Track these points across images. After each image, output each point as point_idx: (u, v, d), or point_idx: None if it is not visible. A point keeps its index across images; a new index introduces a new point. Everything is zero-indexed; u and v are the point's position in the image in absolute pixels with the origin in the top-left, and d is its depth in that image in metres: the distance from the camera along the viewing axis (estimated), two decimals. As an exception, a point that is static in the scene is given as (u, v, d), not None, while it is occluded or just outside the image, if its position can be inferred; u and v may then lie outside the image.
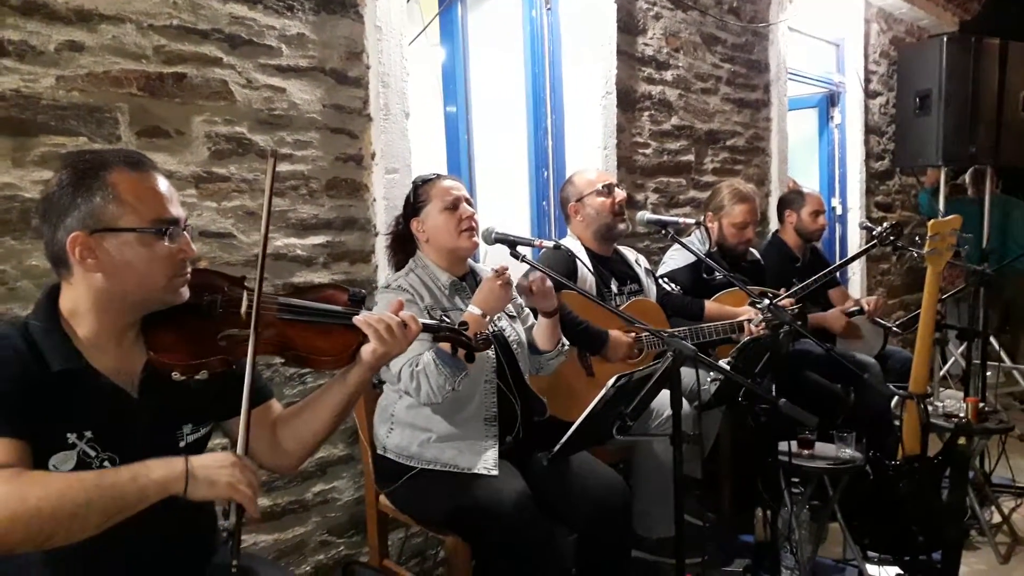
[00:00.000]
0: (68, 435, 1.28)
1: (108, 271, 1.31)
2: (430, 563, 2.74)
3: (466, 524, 2.05)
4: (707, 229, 3.23)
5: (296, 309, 1.49)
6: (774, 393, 2.36)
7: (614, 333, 2.65)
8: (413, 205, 2.26)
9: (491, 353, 2.19)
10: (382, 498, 2.29)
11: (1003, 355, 5.07)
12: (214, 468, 1.28)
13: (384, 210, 2.57)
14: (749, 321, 2.76)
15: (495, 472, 2.07)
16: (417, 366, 2.01)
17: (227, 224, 2.27)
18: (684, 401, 2.20)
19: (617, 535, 2.19)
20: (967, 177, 5.56)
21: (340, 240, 2.52)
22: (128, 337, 1.39)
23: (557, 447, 1.95)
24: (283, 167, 2.38)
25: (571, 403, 2.45)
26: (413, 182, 2.31)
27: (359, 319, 1.48)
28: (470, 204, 2.24)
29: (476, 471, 2.07)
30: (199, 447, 1.49)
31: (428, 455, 2.12)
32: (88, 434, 1.30)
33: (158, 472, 1.25)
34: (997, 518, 3.16)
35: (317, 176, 2.46)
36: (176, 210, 1.37)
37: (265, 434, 1.54)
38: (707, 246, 3.21)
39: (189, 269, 1.40)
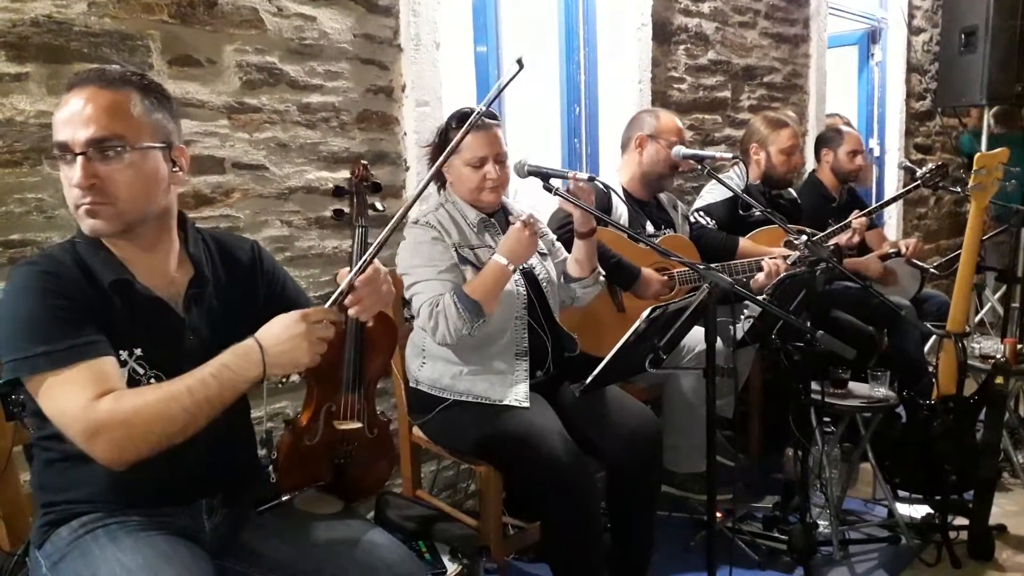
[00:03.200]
0: (121, 352, 1.31)
1: None
2: (461, 495, 2.78)
3: (498, 454, 2.07)
4: (746, 165, 3.16)
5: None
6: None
7: (647, 270, 2.62)
8: (447, 146, 2.18)
9: (522, 290, 2.18)
10: (415, 430, 2.31)
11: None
12: (288, 344, 1.28)
13: (415, 144, 2.54)
14: (772, 258, 2.71)
15: (526, 404, 2.08)
16: (437, 306, 2.01)
17: (259, 156, 2.27)
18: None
19: (648, 468, 2.20)
20: (987, 115, 5.36)
21: (372, 174, 2.50)
22: (164, 253, 1.40)
23: (590, 378, 1.95)
24: (314, 98, 2.36)
25: (601, 339, 2.44)
26: (448, 120, 2.19)
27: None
28: (500, 161, 2.14)
29: (507, 403, 2.08)
30: None
31: (460, 387, 2.13)
32: (138, 351, 1.33)
33: (237, 365, 1.27)
34: (1030, 461, 3.13)
35: (348, 108, 2.43)
36: (66, 133, 1.26)
37: None
38: (744, 182, 3.14)
39: (87, 201, 1.27)
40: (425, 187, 1.63)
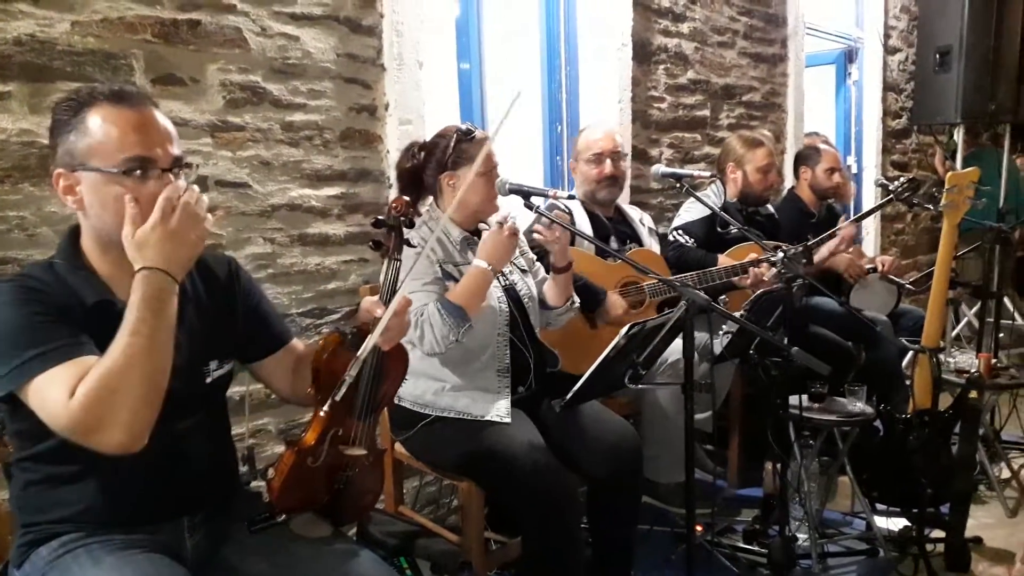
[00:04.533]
0: None
1: (87, 210, 1.31)
2: (444, 510, 2.79)
3: (479, 470, 2.08)
4: (723, 183, 3.21)
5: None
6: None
7: (612, 295, 2.65)
8: (451, 158, 2.18)
9: (504, 306, 2.20)
10: (397, 446, 2.32)
11: (1016, 315, 5.04)
12: (164, 250, 1.24)
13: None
14: (756, 264, 2.75)
15: (508, 420, 2.09)
16: (422, 315, 2.03)
17: (242, 174, 2.28)
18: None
19: (628, 482, 2.21)
20: (957, 134, 5.46)
21: (354, 191, 2.53)
22: None
23: (570, 394, 1.97)
24: (297, 116, 2.38)
25: (579, 356, 2.46)
26: (456, 135, 2.19)
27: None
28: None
29: (489, 419, 2.09)
30: (223, 383, 1.52)
31: (442, 403, 2.14)
32: None
33: (143, 284, 1.24)
34: (1006, 474, 3.18)
35: (331, 126, 2.45)
36: (153, 150, 1.29)
37: (286, 374, 1.59)
38: (722, 200, 3.19)
39: None
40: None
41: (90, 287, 1.33)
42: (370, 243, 1.54)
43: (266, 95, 2.31)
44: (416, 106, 2.62)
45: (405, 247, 1.54)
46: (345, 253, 2.50)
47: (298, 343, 1.64)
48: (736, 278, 2.82)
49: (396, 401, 2.23)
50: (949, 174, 2.50)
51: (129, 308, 1.24)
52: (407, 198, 1.54)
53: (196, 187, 1.32)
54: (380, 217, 1.52)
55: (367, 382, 1.49)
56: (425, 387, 2.16)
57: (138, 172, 1.27)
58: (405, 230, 1.53)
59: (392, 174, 2.58)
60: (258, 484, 1.49)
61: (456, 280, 2.13)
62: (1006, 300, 4.92)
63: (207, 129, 2.20)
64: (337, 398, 1.44)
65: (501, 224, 2.07)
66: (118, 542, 1.34)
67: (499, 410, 2.12)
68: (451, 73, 3.22)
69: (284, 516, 1.47)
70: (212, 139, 2.22)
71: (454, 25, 3.20)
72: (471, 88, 3.20)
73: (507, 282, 2.26)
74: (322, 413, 1.46)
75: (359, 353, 1.40)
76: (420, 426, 2.15)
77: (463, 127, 2.20)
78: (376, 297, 1.47)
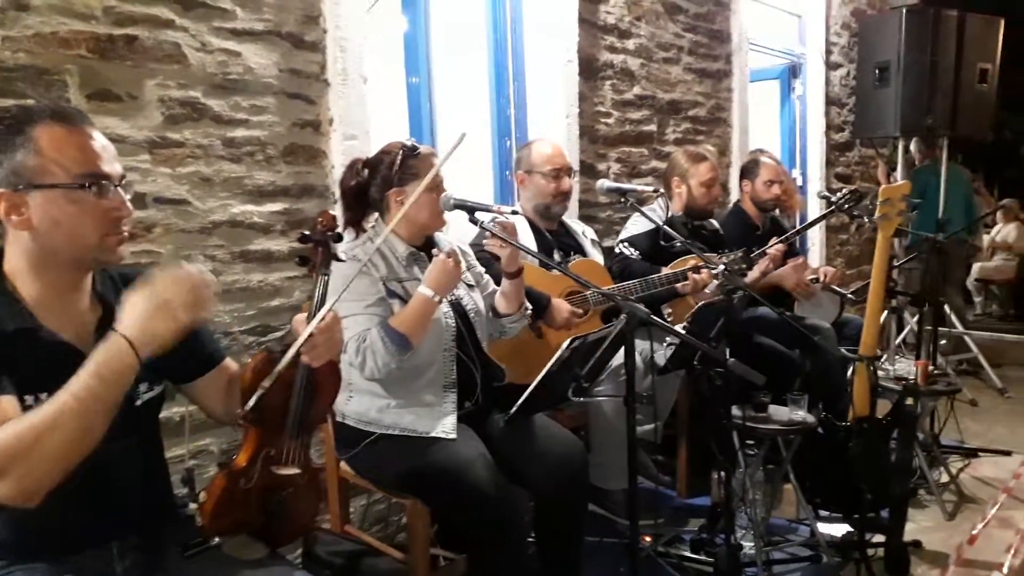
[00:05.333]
0: (26, 397, 1.28)
1: (37, 229, 1.29)
2: (393, 528, 2.77)
3: (425, 487, 2.08)
4: (668, 198, 3.26)
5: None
6: (729, 357, 2.40)
7: (556, 299, 2.67)
8: (398, 175, 2.18)
9: (450, 321, 2.20)
10: (342, 464, 2.30)
11: (956, 322, 5.19)
12: (145, 321, 1.26)
13: (343, 177, 2.56)
14: (696, 271, 2.80)
15: (453, 436, 2.09)
16: (364, 341, 2.01)
17: (182, 191, 2.25)
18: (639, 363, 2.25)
19: (575, 496, 2.23)
20: (913, 146, 5.64)
21: (298, 207, 2.51)
22: (77, 294, 1.38)
23: (514, 408, 1.98)
24: (238, 132, 2.36)
25: (527, 367, 2.47)
26: (402, 151, 2.19)
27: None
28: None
29: (434, 435, 2.09)
30: (155, 406, 1.50)
31: (387, 420, 2.13)
32: (44, 396, 1.29)
33: (110, 355, 1.24)
34: (945, 478, 3.27)
35: (274, 142, 2.44)
36: (108, 166, 1.32)
37: (219, 394, 1.56)
38: (667, 214, 3.24)
39: (126, 229, 1.36)
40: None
41: (11, 314, 1.29)
42: (296, 259, 1.52)
43: (206, 111, 2.29)
44: (361, 121, 2.62)
45: (334, 262, 1.53)
46: (289, 269, 2.48)
47: (231, 362, 1.62)
48: (678, 285, 2.86)
49: (340, 419, 2.22)
50: (882, 187, 2.57)
51: (85, 365, 1.24)
52: (333, 212, 1.53)
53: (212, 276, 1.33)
54: (306, 232, 1.50)
55: (298, 400, 1.47)
56: (369, 404, 2.15)
57: (95, 188, 1.29)
58: (333, 244, 1.51)
59: (337, 189, 2.57)
60: (193, 507, 1.47)
61: (401, 297, 2.12)
62: (947, 308, 5.10)
63: (145, 145, 2.17)
64: (247, 407, 1.41)
65: (449, 254, 2.08)
66: (42, 571, 1.30)
67: (445, 426, 2.11)
68: (400, 88, 3.23)
69: (217, 539, 1.44)
70: (150, 156, 2.18)
71: (403, 40, 3.21)
72: (420, 103, 3.20)
73: (453, 297, 2.26)
74: (251, 432, 1.45)
75: (277, 367, 1.39)
76: (364, 444, 2.14)
77: (408, 143, 2.20)
78: (305, 315, 1.46)
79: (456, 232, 2.53)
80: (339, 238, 1.53)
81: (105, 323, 1.40)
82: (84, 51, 2.04)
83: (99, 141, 1.33)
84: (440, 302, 2.09)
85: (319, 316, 1.39)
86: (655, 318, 1.83)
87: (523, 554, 2.06)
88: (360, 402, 2.17)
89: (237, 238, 2.37)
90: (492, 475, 2.00)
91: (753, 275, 3.24)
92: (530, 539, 2.23)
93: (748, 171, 3.73)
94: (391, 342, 2.00)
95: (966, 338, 5.34)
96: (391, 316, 2.08)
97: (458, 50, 3.41)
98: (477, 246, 2.56)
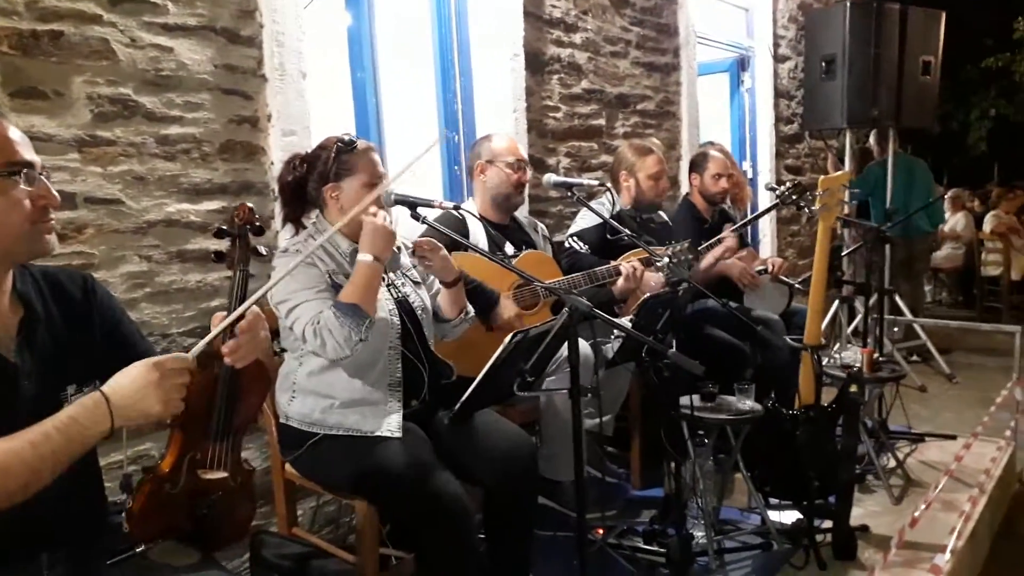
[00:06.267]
0: None
1: None
2: (344, 529, 2.73)
3: (371, 487, 2.05)
4: (616, 191, 3.26)
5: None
6: (675, 349, 2.41)
7: (505, 301, 2.66)
8: (333, 170, 2.14)
9: (395, 319, 2.17)
10: (287, 466, 2.26)
11: (904, 310, 5.29)
12: (138, 396, 1.24)
13: (283, 174, 2.51)
14: (632, 266, 2.81)
15: (399, 435, 2.07)
16: (319, 323, 1.97)
17: (114, 190, 2.19)
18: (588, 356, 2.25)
19: (524, 490, 2.22)
20: (872, 139, 5.76)
21: (236, 205, 2.44)
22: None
23: (457, 405, 1.96)
24: (173, 130, 2.31)
25: (476, 361, 2.45)
26: (336, 146, 2.14)
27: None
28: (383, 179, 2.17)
29: (379, 434, 2.06)
30: None
31: (331, 420, 2.10)
32: None
33: (84, 418, 1.22)
34: (893, 463, 3.32)
35: (210, 139, 2.38)
36: (29, 154, 1.31)
37: None
38: (614, 208, 3.24)
39: (53, 217, 1.33)
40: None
41: None
42: (212, 254, 1.47)
43: (138, 108, 2.23)
44: (301, 117, 2.58)
45: (254, 258, 1.49)
46: (228, 269, 2.42)
47: None
48: (621, 277, 2.86)
49: (284, 420, 2.18)
50: (821, 178, 2.60)
51: (56, 415, 1.21)
52: (251, 205, 1.49)
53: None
54: (223, 226, 1.45)
55: (221, 403, 1.43)
56: (313, 405, 2.12)
57: (22, 176, 1.28)
58: (252, 238, 1.47)
59: (277, 185, 2.53)
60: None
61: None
62: (897, 298, 5.20)
63: (74, 144, 2.11)
64: None
65: (372, 215, 2.03)
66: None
67: (390, 425, 2.09)
68: (345, 83, 3.19)
69: (143, 547, 1.40)
70: (80, 154, 2.12)
71: (346, 34, 3.16)
72: (365, 97, 3.17)
73: (399, 295, 2.23)
74: (175, 435, 1.41)
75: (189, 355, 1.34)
76: (308, 445, 2.10)
77: (344, 138, 2.15)
78: (224, 313, 1.42)
79: (401, 229, 2.50)
80: (259, 231, 1.49)
81: (27, 324, 1.35)
82: (6, 47, 1.97)
83: (15, 132, 1.31)
84: (382, 265, 2.04)
85: (236, 313, 1.34)
86: (598, 311, 1.82)
87: (473, 551, 2.04)
88: (303, 403, 2.13)
89: (174, 238, 2.31)
90: (438, 473, 1.98)
91: (708, 261, 3.26)
92: (480, 535, 2.21)
93: (696, 164, 3.75)
94: (345, 314, 1.95)
95: (916, 326, 5.45)
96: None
97: (403, 45, 3.38)
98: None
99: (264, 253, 1.48)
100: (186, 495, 1.44)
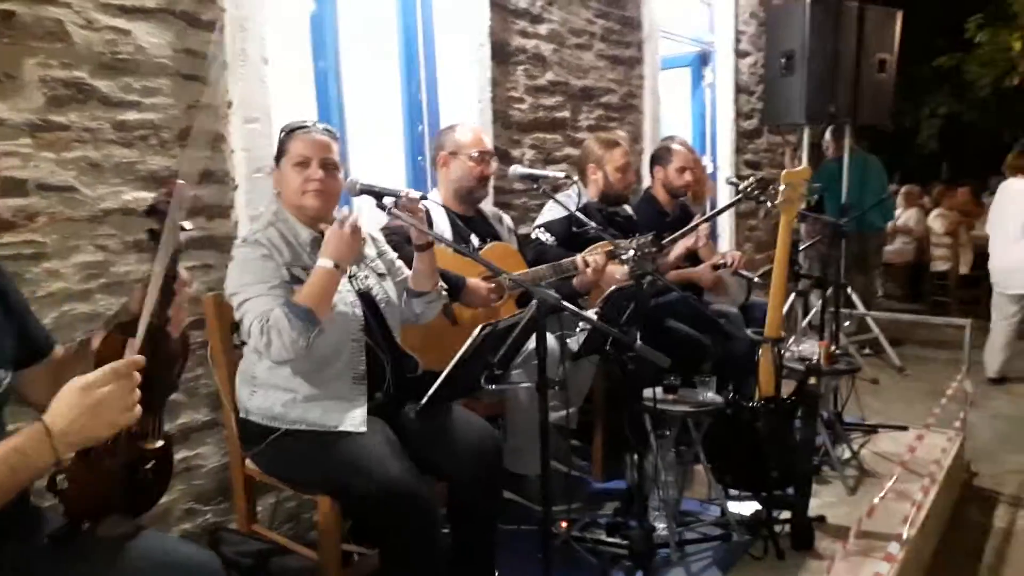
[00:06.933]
0: None
1: None
2: (304, 526, 2.70)
3: (334, 482, 2.02)
4: (584, 184, 3.27)
5: None
6: (639, 341, 2.42)
7: (472, 280, 2.64)
8: (277, 154, 2.16)
9: (358, 311, 2.14)
10: (248, 462, 2.22)
11: (858, 303, 5.41)
12: (76, 424, 1.16)
13: (244, 162, 2.47)
14: (596, 259, 2.82)
15: (363, 429, 2.04)
16: (268, 321, 1.94)
17: (68, 176, 2.12)
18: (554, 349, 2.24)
19: (490, 483, 2.21)
20: (827, 135, 5.85)
21: (196, 194, 2.39)
22: None
23: (424, 398, 1.94)
24: (130, 115, 2.24)
25: (442, 355, 2.43)
26: (281, 129, 2.17)
27: None
28: (326, 166, 2.10)
29: (343, 429, 2.04)
30: (6, 394, 1.41)
31: (293, 415, 2.06)
32: None
33: (30, 448, 1.15)
34: (848, 454, 3.39)
35: (168, 125, 2.32)
36: None
37: (47, 384, 1.43)
38: (581, 201, 3.25)
39: None
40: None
41: None
42: (146, 232, 1.39)
43: (94, 92, 2.16)
44: (263, 104, 2.53)
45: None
46: (187, 259, 2.34)
47: (59, 348, 1.55)
48: (574, 280, 2.87)
49: (244, 415, 2.14)
50: (783, 172, 2.63)
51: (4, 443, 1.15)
52: (181, 181, 1.45)
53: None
54: (152, 204, 1.39)
55: (155, 374, 1.41)
56: (274, 399, 2.08)
57: None
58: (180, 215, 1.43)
59: (238, 173, 2.48)
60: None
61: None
62: (850, 291, 5.32)
63: (26, 129, 2.03)
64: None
65: (341, 220, 2.00)
66: None
67: (354, 419, 2.06)
68: (307, 71, 3.13)
69: (87, 524, 1.37)
70: (32, 139, 2.05)
71: (308, 22, 3.10)
72: (327, 87, 3.11)
73: (362, 287, 2.21)
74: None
75: (138, 342, 1.30)
76: (270, 440, 2.06)
77: (290, 124, 2.14)
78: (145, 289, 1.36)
79: (365, 219, 2.47)
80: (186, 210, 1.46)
81: None
82: (-48, 27, 1.89)
83: None
84: (343, 272, 2.02)
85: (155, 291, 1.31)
86: (566, 304, 1.82)
87: (437, 546, 2.03)
88: (264, 397, 2.10)
89: (130, 227, 2.24)
90: (404, 467, 1.96)
91: (677, 251, 3.29)
92: (444, 529, 2.20)
93: (660, 158, 3.77)
94: (296, 317, 1.92)
95: (868, 319, 5.58)
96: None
97: (367, 33, 3.33)
98: (390, 231, 2.51)
99: (190, 228, 1.43)
100: (124, 468, 1.41)
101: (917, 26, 5.42)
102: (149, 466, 1.46)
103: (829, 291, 3.88)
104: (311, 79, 3.11)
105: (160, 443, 1.45)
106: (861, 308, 5.45)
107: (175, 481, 2.37)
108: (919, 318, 5.35)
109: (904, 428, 3.76)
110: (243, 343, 2.23)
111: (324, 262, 1.98)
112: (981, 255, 7.66)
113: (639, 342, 1.87)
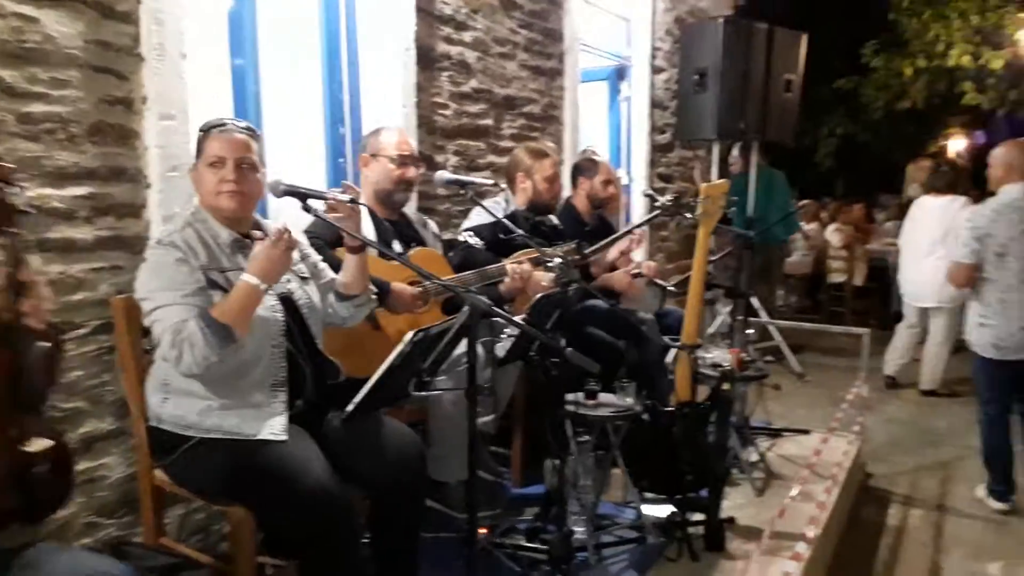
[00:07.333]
0: None
1: None
2: (214, 538, 2.61)
3: (253, 493, 1.96)
4: (512, 192, 3.29)
5: None
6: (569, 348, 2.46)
7: (396, 284, 2.63)
8: (196, 152, 2.09)
9: (279, 316, 2.09)
10: (158, 472, 2.13)
11: (761, 312, 5.63)
12: None
13: (158, 159, 2.37)
14: (522, 266, 2.86)
15: (283, 437, 1.99)
16: (181, 333, 1.87)
17: (-34, 171, 1.99)
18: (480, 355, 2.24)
19: (414, 491, 2.20)
20: (736, 151, 6.08)
21: (106, 192, 2.29)
22: None
23: (351, 406, 1.91)
24: (37, 107, 2.12)
25: (363, 360, 2.41)
26: (199, 128, 2.10)
27: None
28: (242, 166, 2.03)
29: (262, 438, 1.98)
30: None
31: (208, 423, 1.99)
32: None
33: None
34: (755, 457, 3.53)
35: (78, 119, 2.20)
36: None
37: None
38: (508, 208, 3.27)
39: None
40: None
41: None
42: None
43: (-4, 81, 2.04)
44: (180, 100, 2.43)
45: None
46: (94, 260, 2.26)
47: None
48: (500, 286, 2.88)
49: (155, 423, 2.06)
50: (703, 186, 2.73)
51: None
52: (11, 165, 1.40)
53: None
54: None
55: (28, 372, 1.36)
56: (188, 407, 2.00)
57: None
58: (9, 196, 1.40)
59: (151, 171, 2.38)
60: None
61: (223, 288, 1.99)
62: (754, 300, 5.53)
63: (-83, 118, 1.90)
64: None
65: (278, 237, 1.94)
66: None
67: (274, 427, 2.01)
68: (224, 68, 3.03)
69: None
70: (-75, 130, 1.91)
71: (226, 18, 3.01)
72: (245, 85, 3.02)
73: (284, 290, 2.15)
74: None
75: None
76: (183, 449, 1.99)
77: (209, 122, 2.08)
78: None
79: (287, 221, 2.41)
80: (17, 188, 1.40)
81: None
82: None
83: None
84: (267, 290, 1.97)
85: None
86: (497, 310, 1.83)
87: (357, 556, 2.00)
88: (177, 404, 2.02)
89: (33, 225, 2.11)
90: (325, 477, 1.93)
91: (612, 255, 3.35)
92: (364, 539, 2.17)
93: (586, 169, 3.84)
94: (212, 334, 1.86)
95: (770, 327, 5.82)
96: (211, 307, 1.94)
97: (288, 32, 3.26)
98: (311, 234, 2.46)
99: (30, 212, 1.37)
100: (11, 476, 1.35)
101: (818, 49, 5.68)
102: (42, 468, 1.40)
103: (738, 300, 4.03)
104: (228, 76, 3.02)
105: (46, 443, 1.39)
106: (764, 317, 5.68)
107: (75, 494, 2.25)
108: (820, 327, 5.62)
109: (807, 432, 3.94)
110: (154, 348, 2.15)
111: (248, 278, 1.92)
112: (874, 268, 8.16)
113: (570, 349, 1.89)
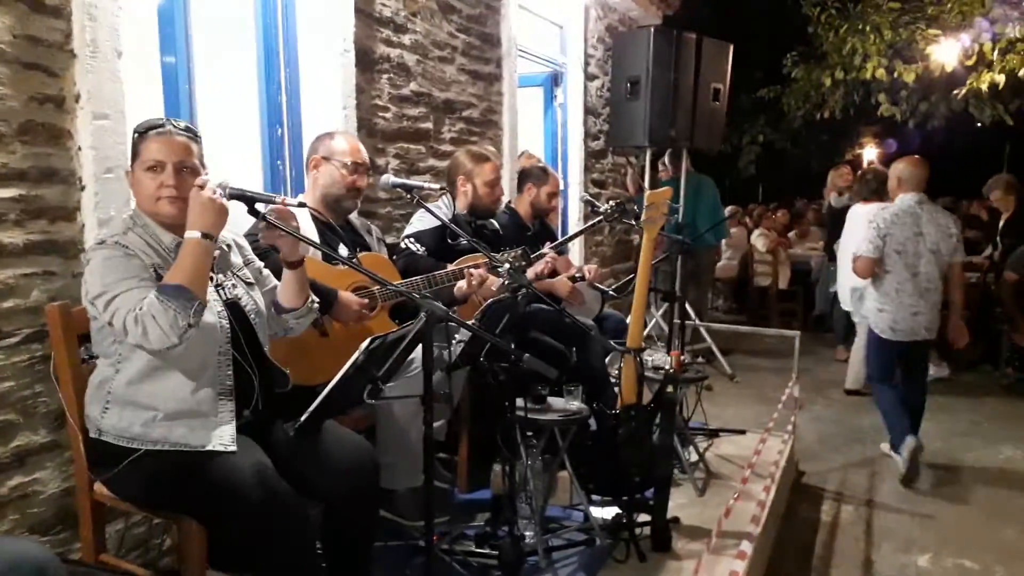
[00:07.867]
0: None
1: None
2: (155, 553, 2.50)
3: (201, 506, 1.90)
4: (453, 196, 3.27)
5: None
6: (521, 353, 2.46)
7: (343, 292, 2.57)
8: (131, 155, 2.00)
9: (225, 323, 2.02)
10: (97, 486, 2.04)
11: (692, 315, 5.76)
12: None
13: (92, 160, 2.26)
14: (476, 267, 2.85)
15: (232, 448, 1.93)
16: (140, 309, 1.79)
17: None
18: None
19: (367, 499, 2.16)
20: (666, 158, 6.21)
21: (37, 194, 2.17)
22: None
23: (305, 416, 1.86)
24: (-40, 104, 2.00)
25: (310, 367, 2.36)
26: (134, 129, 2.01)
27: None
28: (181, 170, 1.96)
29: (211, 448, 1.91)
30: None
31: (154, 435, 1.91)
32: None
33: None
34: (695, 457, 3.60)
35: (6, 118, 2.09)
36: None
37: None
38: (452, 212, 3.25)
39: None
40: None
41: None
42: None
43: (-84, 77, 1.91)
44: (114, 99, 2.33)
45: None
46: (25, 265, 2.14)
47: None
48: (455, 287, 2.87)
49: (95, 435, 1.96)
50: (648, 193, 2.78)
51: None
52: None
53: None
54: None
55: None
56: (132, 418, 1.92)
57: None
58: None
59: (85, 173, 2.27)
60: None
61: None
62: (686, 304, 5.66)
63: None
64: None
65: (198, 187, 1.88)
66: None
67: (222, 438, 1.94)
68: (155, 66, 2.92)
69: None
70: None
71: (156, 14, 2.90)
72: (177, 84, 2.92)
73: (230, 296, 2.08)
74: None
75: None
76: (127, 463, 1.91)
77: (146, 122, 2.00)
78: None
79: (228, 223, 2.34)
80: None
81: None
82: None
83: None
84: (212, 241, 1.89)
85: None
86: (453, 315, 1.82)
87: (311, 566, 1.95)
88: (120, 416, 1.93)
89: (-43, 228, 2.00)
90: (276, 487, 1.88)
91: (536, 269, 3.36)
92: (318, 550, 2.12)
93: (536, 177, 3.87)
94: (170, 298, 1.78)
95: (702, 330, 5.97)
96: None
97: (223, 30, 3.17)
98: (252, 236, 2.39)
99: None
100: None
101: (740, 59, 5.86)
102: None
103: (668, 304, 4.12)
104: (158, 74, 2.91)
105: None
106: (695, 319, 5.82)
107: (7, 510, 2.13)
108: (755, 329, 5.77)
109: (742, 432, 4.05)
110: (92, 357, 2.05)
111: (191, 234, 1.85)
112: (797, 272, 8.45)
113: (527, 355, 1.89)
